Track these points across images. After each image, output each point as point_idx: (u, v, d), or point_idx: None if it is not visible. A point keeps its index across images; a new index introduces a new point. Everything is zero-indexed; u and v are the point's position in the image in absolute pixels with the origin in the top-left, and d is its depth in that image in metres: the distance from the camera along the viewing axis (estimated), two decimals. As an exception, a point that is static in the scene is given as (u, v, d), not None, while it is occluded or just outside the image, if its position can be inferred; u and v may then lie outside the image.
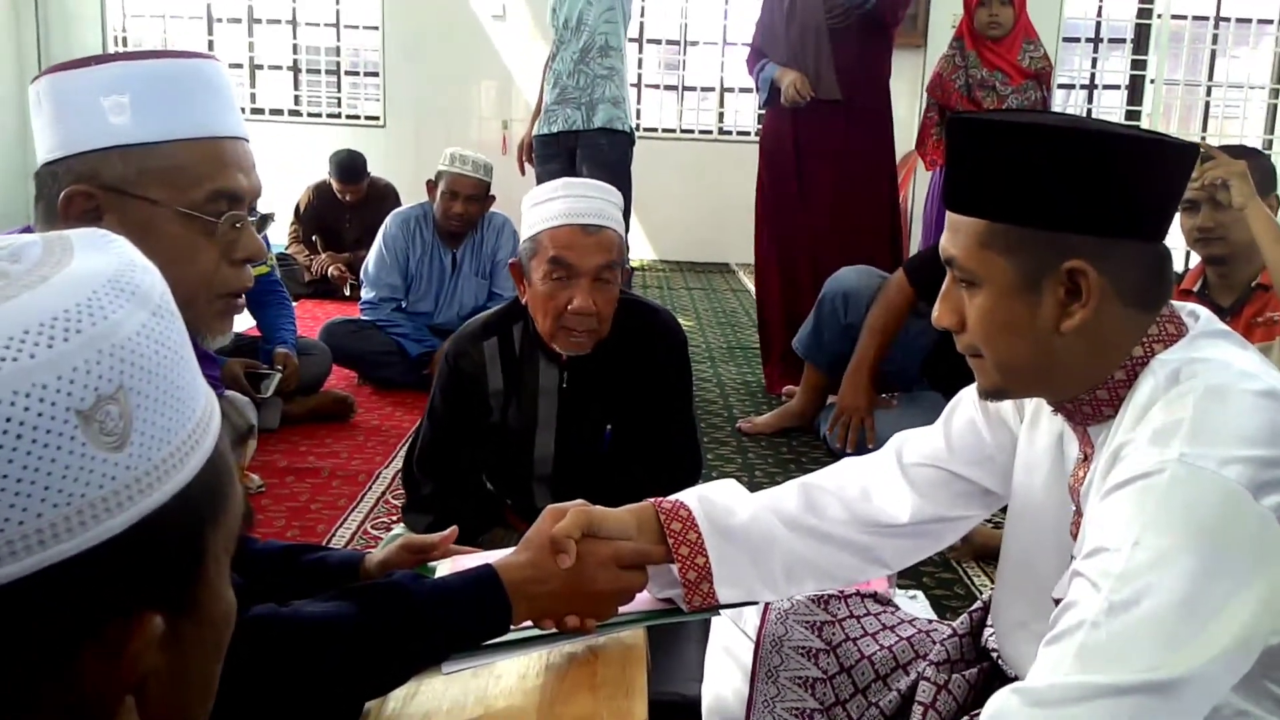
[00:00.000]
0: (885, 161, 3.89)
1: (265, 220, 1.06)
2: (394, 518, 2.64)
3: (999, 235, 0.97)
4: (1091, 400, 1.00)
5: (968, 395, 1.20)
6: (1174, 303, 1.02)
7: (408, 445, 2.25)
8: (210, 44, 7.58)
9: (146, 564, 0.43)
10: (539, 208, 1.85)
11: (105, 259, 0.45)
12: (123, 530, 0.42)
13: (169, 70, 0.98)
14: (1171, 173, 0.98)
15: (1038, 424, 1.12)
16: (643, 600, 1.18)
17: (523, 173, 4.42)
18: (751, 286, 6.59)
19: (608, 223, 1.82)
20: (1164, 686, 0.80)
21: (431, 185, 3.92)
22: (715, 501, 1.19)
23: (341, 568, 1.25)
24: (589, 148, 4.09)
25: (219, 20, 7.71)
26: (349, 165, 5.48)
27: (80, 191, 0.95)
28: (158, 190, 0.97)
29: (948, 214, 1.04)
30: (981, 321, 1.00)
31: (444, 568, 1.23)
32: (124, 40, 7.60)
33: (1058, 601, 0.90)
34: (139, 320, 0.44)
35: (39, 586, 0.39)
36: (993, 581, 2.37)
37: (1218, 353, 0.96)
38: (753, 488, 1.27)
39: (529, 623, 1.09)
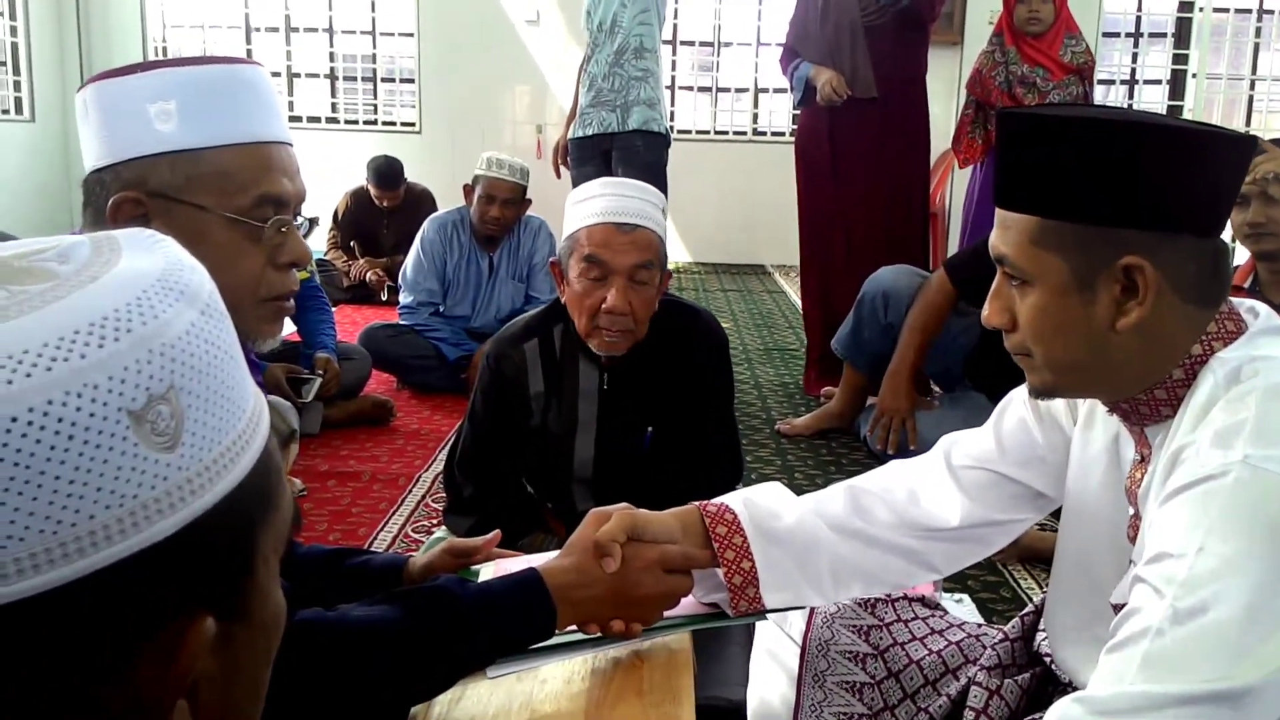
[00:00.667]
0: (921, 159, 3.85)
1: (311, 225, 1.06)
2: (434, 521, 2.64)
3: (1051, 232, 0.95)
4: (1149, 400, 0.97)
5: (1018, 395, 1.18)
6: (1232, 299, 0.99)
7: (449, 448, 2.25)
8: (248, 52, 7.69)
9: (198, 566, 0.42)
10: (579, 206, 1.85)
11: (153, 259, 0.45)
12: (174, 532, 0.41)
13: (214, 76, 0.98)
14: (1228, 165, 0.96)
15: (1092, 425, 1.09)
16: (687, 605, 1.17)
17: (558, 176, 4.43)
18: (787, 287, 6.58)
19: (645, 222, 1.81)
20: (1231, 696, 0.78)
21: (468, 189, 3.94)
22: (760, 505, 1.18)
23: (385, 571, 1.25)
24: (624, 150, 4.08)
25: (257, 29, 7.82)
26: (386, 171, 5.52)
27: (128, 198, 0.96)
28: (205, 196, 0.97)
29: (998, 211, 1.01)
30: (1034, 321, 0.98)
31: (487, 571, 1.23)
32: (164, 50, 7.73)
33: (1116, 607, 0.88)
34: (188, 319, 0.43)
35: (91, 590, 0.39)
36: (1040, 585, 2.34)
37: (1279, 350, 0.93)
38: (793, 490, 1.25)
39: (574, 627, 1.09)
